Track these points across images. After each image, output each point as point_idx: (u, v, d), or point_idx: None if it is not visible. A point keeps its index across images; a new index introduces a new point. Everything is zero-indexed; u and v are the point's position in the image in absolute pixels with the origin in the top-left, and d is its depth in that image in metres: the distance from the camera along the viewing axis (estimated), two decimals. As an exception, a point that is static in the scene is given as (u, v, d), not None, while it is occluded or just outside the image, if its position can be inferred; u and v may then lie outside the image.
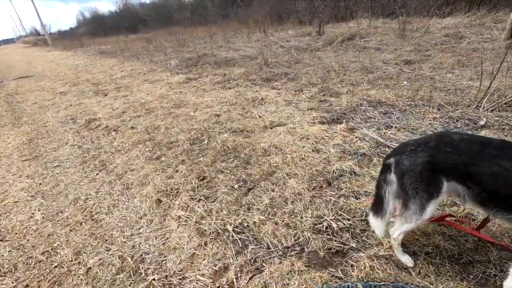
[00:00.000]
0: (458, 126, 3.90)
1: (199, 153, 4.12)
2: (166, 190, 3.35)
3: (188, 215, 2.92)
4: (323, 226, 2.53)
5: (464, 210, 2.51)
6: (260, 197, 3.01)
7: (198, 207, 2.99)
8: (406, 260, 2.12)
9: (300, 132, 4.27)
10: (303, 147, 3.84)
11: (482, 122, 3.79)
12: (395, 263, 2.12)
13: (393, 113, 4.53)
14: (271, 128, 4.58)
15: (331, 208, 2.71)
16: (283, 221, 2.64)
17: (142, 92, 7.95)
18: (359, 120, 4.45)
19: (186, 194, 3.22)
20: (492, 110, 4.10)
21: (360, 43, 10.11)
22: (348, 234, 2.43)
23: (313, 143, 3.90)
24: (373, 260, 2.16)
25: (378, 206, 2.12)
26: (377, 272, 2.06)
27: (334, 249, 2.31)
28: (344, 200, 2.79)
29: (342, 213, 2.64)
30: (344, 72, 7.15)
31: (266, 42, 13.24)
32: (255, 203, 2.92)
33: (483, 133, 3.64)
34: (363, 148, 3.64)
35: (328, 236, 2.43)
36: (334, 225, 2.52)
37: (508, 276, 1.78)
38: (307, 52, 10.26)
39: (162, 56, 13.56)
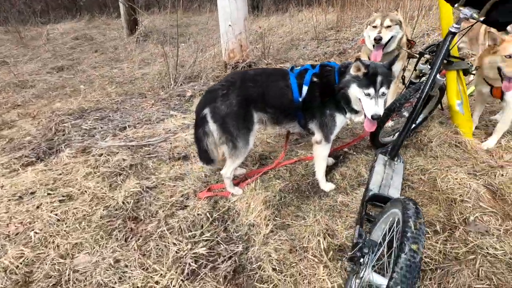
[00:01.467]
0: (176, 102, 4.17)
1: None
2: None
3: None
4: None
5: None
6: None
7: None
8: (237, 190, 2.36)
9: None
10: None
11: (189, 94, 4.31)
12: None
13: (111, 115, 3.88)
14: None
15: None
16: None
17: None
18: (80, 138, 3.35)
19: None
20: (184, 84, 4.78)
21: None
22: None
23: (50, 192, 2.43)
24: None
25: (207, 157, 2.26)
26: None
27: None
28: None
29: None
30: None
31: None
32: None
33: (193, 101, 4.18)
34: (123, 160, 2.85)
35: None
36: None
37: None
38: None
39: None
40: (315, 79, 2.08)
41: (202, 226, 2.09)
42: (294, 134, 3.10)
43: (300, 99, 2.09)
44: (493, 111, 3.28)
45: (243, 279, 1.75)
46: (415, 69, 2.54)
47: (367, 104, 1.89)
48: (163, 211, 2.22)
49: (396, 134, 2.80)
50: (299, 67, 2.22)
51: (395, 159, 2.21)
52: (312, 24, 7.36)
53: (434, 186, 2.26)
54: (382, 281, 1.20)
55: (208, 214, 2.18)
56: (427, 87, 2.05)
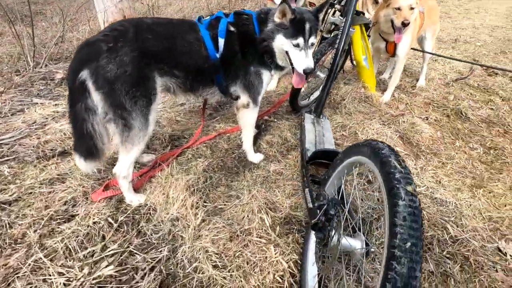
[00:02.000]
0: (41, 87, 3.10)
1: None
2: None
3: None
4: None
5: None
6: None
7: None
8: (138, 198, 1.70)
9: None
10: None
11: (60, 76, 3.27)
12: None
13: None
14: None
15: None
16: None
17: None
18: None
19: None
20: (51, 65, 3.62)
21: None
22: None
23: None
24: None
25: (88, 147, 1.51)
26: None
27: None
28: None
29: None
30: None
31: None
32: None
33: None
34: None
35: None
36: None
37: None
38: None
39: None
40: (232, 29, 1.70)
41: (103, 238, 1.49)
42: (208, 107, 2.68)
43: (218, 55, 1.68)
44: (380, 71, 3.65)
45: (176, 291, 1.29)
46: (324, 23, 2.48)
47: (297, 57, 1.65)
48: (34, 231, 1.48)
49: (312, 96, 2.75)
50: (208, 17, 1.79)
51: (321, 117, 2.09)
52: (204, 1, 6.89)
53: (356, 139, 2.27)
54: (356, 243, 0.98)
55: (110, 219, 1.57)
56: (344, 37, 1.97)
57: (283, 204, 1.70)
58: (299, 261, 1.38)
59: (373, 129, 2.33)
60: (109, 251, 1.40)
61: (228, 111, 2.78)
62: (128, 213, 1.63)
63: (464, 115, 2.78)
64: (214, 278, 1.32)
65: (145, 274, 1.33)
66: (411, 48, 2.96)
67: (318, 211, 1.08)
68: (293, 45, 1.62)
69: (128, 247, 1.44)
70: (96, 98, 1.45)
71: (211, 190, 1.81)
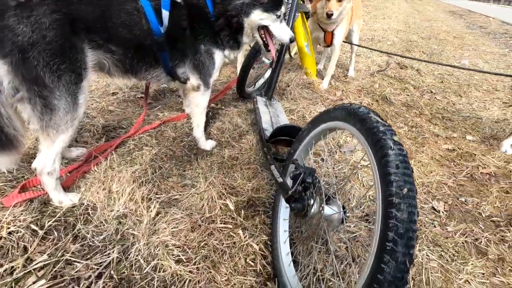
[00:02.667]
0: None
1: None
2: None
3: None
4: None
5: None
6: None
7: None
8: (70, 198, 1.38)
9: None
10: None
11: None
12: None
13: None
14: None
15: None
16: None
17: None
18: None
19: None
20: None
21: None
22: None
23: None
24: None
25: None
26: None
27: None
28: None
29: None
30: None
31: None
32: None
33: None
34: None
35: None
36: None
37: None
38: None
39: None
40: (178, 0, 1.53)
41: (25, 250, 1.17)
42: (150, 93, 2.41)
43: (162, 30, 1.49)
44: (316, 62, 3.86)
45: (133, 297, 1.09)
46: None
47: (279, 28, 1.61)
48: None
49: (257, 83, 2.73)
50: None
51: (272, 100, 2.08)
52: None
53: (305, 122, 2.32)
54: (334, 210, 0.97)
55: (34, 226, 1.25)
56: (292, 20, 1.99)
57: (244, 187, 1.61)
58: (269, 242, 1.32)
59: (319, 111, 2.42)
60: (35, 264, 1.10)
61: (169, 99, 2.55)
62: (57, 216, 1.32)
63: (388, 100, 3.13)
64: (179, 274, 1.16)
65: (91, 283, 1.08)
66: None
67: (294, 182, 1.03)
68: (276, 17, 1.56)
69: (63, 255, 1.16)
70: (1, 70, 1.12)
71: (162, 181, 1.61)
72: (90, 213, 1.36)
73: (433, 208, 1.78)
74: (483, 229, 1.67)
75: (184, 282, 1.14)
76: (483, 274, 1.40)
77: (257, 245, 1.29)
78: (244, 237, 1.30)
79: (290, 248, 1.23)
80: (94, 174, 1.55)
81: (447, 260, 1.45)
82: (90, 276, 1.10)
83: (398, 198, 0.66)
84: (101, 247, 1.22)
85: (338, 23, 2.74)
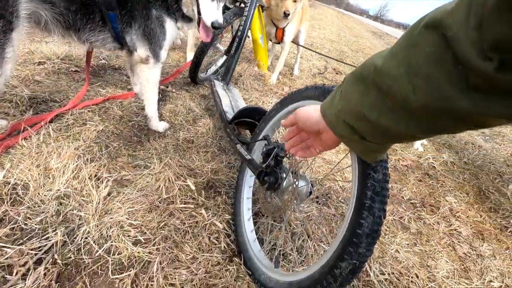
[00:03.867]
0: None
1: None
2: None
3: None
4: None
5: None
6: None
7: None
8: None
9: None
10: None
11: None
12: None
13: None
14: None
15: None
16: None
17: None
18: None
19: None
20: None
21: None
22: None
23: None
24: None
25: None
26: None
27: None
28: None
29: None
30: None
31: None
32: None
33: None
34: None
35: None
36: None
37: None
38: None
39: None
40: None
41: None
42: (82, 70, 2.13)
43: None
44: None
45: (83, 282, 0.95)
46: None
47: (207, 6, 1.53)
48: None
49: (210, 70, 2.68)
50: None
51: (229, 85, 2.06)
52: None
53: (258, 112, 2.38)
54: (304, 183, 1.02)
55: None
56: (254, 5, 2.00)
57: (203, 169, 1.57)
58: (231, 221, 1.31)
59: (272, 103, 2.51)
60: None
61: (112, 77, 2.30)
62: (-26, 196, 1.07)
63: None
64: (136, 256, 1.06)
65: (27, 270, 0.91)
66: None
67: (266, 157, 1.05)
68: None
69: (-14, 242, 0.94)
70: None
71: (110, 161, 1.45)
72: (20, 193, 1.14)
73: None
74: (405, 209, 1.98)
75: (144, 264, 1.05)
76: (408, 244, 1.66)
77: (221, 223, 1.27)
78: (208, 216, 1.27)
79: (254, 226, 1.25)
80: (22, 150, 1.30)
81: (382, 234, 1.67)
82: (26, 263, 0.92)
83: (375, 162, 0.75)
84: (38, 230, 1.03)
85: (290, 20, 2.88)
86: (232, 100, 1.81)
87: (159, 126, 1.81)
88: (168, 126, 1.85)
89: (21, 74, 1.91)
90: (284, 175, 1.03)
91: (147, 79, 1.67)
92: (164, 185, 1.39)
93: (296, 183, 0.98)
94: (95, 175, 1.28)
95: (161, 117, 1.95)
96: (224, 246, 1.20)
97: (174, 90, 2.36)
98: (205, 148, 1.76)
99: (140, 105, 1.97)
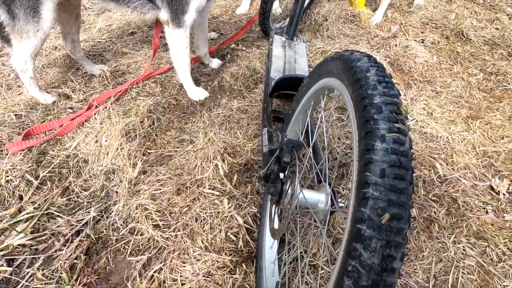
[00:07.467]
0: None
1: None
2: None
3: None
4: None
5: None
6: None
7: None
8: (45, 98, 1.58)
9: None
10: None
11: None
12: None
13: None
14: None
15: None
16: None
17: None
18: None
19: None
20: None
21: None
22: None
23: None
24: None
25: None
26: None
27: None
28: None
29: None
30: None
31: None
32: None
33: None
34: None
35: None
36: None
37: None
38: None
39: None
40: None
41: (21, 198, 1.20)
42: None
43: None
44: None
45: (107, 258, 1.06)
46: None
47: None
48: None
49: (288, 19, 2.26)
50: None
51: (295, 39, 1.68)
52: None
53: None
54: (318, 196, 0.71)
55: (29, 176, 1.27)
56: None
57: (244, 148, 1.41)
58: (258, 214, 1.15)
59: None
60: (22, 216, 1.13)
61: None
62: (52, 167, 1.32)
63: (465, 36, 2.38)
64: (154, 240, 1.09)
65: (68, 240, 1.08)
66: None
67: (270, 158, 0.78)
68: None
69: (48, 208, 1.16)
70: None
71: (159, 135, 1.49)
72: (82, 165, 1.33)
73: (491, 187, 1.37)
74: None
75: (159, 250, 1.07)
76: None
77: (243, 218, 1.13)
78: (228, 208, 1.15)
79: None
80: (91, 124, 1.50)
81: (491, 259, 1.12)
82: (67, 234, 1.09)
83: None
84: (84, 203, 1.19)
85: None
86: (287, 62, 1.46)
87: (194, 94, 1.70)
88: (206, 94, 1.72)
89: (113, 48, 2.15)
90: (288, 185, 0.74)
91: (171, 45, 1.56)
92: (200, 165, 1.33)
93: (297, 201, 0.69)
94: (135, 153, 1.35)
95: (220, 82, 1.83)
96: (240, 245, 1.07)
97: (244, 48, 2.15)
98: (256, 120, 1.56)
99: (202, 71, 1.90)
